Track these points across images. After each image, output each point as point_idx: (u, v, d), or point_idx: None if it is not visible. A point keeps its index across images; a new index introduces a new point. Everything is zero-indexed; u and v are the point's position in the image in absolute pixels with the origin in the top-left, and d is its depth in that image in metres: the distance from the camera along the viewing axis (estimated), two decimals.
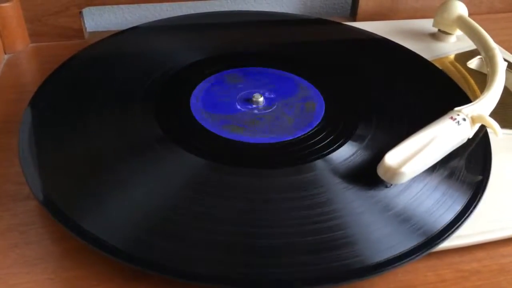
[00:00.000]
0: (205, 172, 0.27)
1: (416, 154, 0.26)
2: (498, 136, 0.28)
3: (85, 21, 0.45)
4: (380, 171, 0.26)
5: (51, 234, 0.26)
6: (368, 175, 0.26)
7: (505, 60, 0.36)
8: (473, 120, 0.29)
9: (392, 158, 0.26)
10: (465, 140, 0.29)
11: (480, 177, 0.28)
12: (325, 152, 0.29)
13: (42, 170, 0.27)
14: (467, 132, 0.29)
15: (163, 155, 0.28)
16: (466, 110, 0.29)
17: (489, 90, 0.32)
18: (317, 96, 0.34)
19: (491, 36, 0.38)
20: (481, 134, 0.31)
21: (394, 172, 0.25)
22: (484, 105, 0.30)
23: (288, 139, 0.30)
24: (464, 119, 0.28)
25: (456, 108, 0.29)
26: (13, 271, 0.24)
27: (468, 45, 0.42)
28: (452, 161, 0.28)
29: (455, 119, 0.28)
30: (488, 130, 0.30)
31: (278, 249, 0.23)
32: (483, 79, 0.36)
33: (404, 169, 0.25)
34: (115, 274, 0.23)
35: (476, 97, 0.31)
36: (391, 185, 0.26)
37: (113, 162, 0.27)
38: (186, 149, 0.28)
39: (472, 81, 0.38)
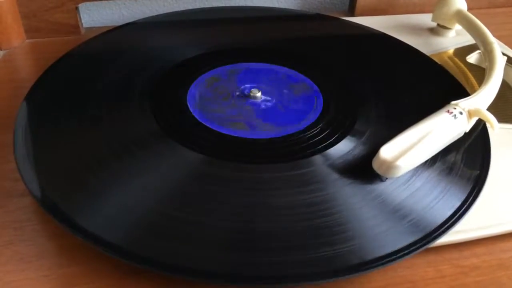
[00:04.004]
0: (203, 168, 0.27)
1: (412, 147, 0.26)
2: (494, 130, 0.28)
3: (82, 17, 0.45)
4: (375, 165, 0.26)
5: (46, 231, 0.25)
6: (366, 170, 0.26)
7: (504, 54, 0.36)
8: (470, 114, 0.28)
9: (387, 151, 0.25)
10: (461, 134, 0.29)
11: (477, 172, 0.27)
12: (323, 147, 0.28)
13: (37, 166, 0.27)
14: (464, 126, 0.28)
15: (160, 151, 0.28)
16: (463, 104, 0.29)
17: (487, 84, 0.31)
18: (315, 91, 0.33)
19: (491, 31, 0.37)
20: (479, 128, 0.30)
21: (389, 166, 0.25)
22: (482, 99, 0.30)
23: (286, 134, 0.29)
24: (461, 113, 0.28)
25: (453, 102, 0.29)
26: (8, 268, 0.23)
27: (467, 39, 0.41)
28: (451, 156, 0.28)
29: (452, 112, 0.28)
30: (487, 124, 0.30)
31: (276, 245, 0.23)
32: (482, 74, 0.36)
33: (399, 163, 0.25)
34: (111, 270, 0.23)
35: (474, 92, 0.31)
36: (387, 178, 0.26)
37: (109, 157, 0.27)
38: (183, 144, 0.28)
39: (471, 76, 0.38)
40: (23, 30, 0.42)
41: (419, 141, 0.26)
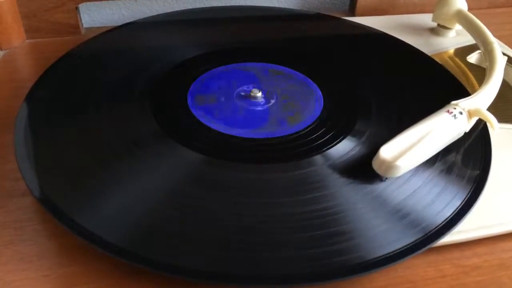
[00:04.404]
0: (203, 168, 0.27)
1: (412, 147, 0.26)
2: (494, 130, 0.28)
3: (82, 17, 0.45)
4: (375, 165, 0.26)
5: (47, 231, 0.25)
6: (367, 171, 0.26)
7: (505, 54, 0.36)
8: (470, 114, 0.28)
9: (387, 151, 0.25)
10: (461, 134, 0.29)
11: (478, 172, 0.27)
12: (323, 147, 0.28)
13: (38, 166, 0.26)
14: (464, 126, 0.28)
15: (160, 151, 0.28)
16: (463, 104, 0.29)
17: (487, 84, 0.31)
18: (315, 91, 0.33)
19: (491, 31, 0.37)
20: (480, 128, 0.30)
21: (389, 166, 0.25)
22: (482, 98, 0.30)
23: (286, 134, 0.29)
24: (461, 113, 0.28)
25: (453, 102, 0.29)
26: (8, 268, 0.23)
27: (468, 39, 0.41)
28: (451, 156, 0.28)
29: (452, 112, 0.28)
30: (487, 124, 0.30)
31: (277, 246, 0.23)
32: (482, 74, 0.36)
33: (399, 163, 0.25)
34: (111, 270, 0.23)
35: (475, 92, 0.31)
36: (386, 178, 0.26)
37: (109, 157, 0.27)
38: (183, 144, 0.28)
39: (471, 76, 0.38)
40: (23, 30, 0.42)
41: (419, 141, 0.26)
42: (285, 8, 0.51)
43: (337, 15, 0.46)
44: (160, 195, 0.25)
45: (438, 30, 0.44)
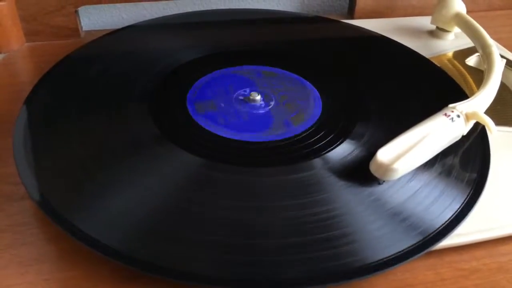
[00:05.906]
0: (202, 171, 0.27)
1: (409, 150, 0.26)
2: (492, 133, 0.28)
3: (81, 20, 0.45)
4: (372, 168, 0.26)
5: (46, 234, 0.25)
6: (366, 174, 0.26)
7: (503, 57, 0.36)
8: (468, 117, 0.28)
9: (384, 154, 0.25)
10: (459, 137, 0.29)
11: (476, 174, 0.27)
12: (323, 150, 0.28)
13: (37, 170, 0.26)
14: (461, 129, 0.28)
15: (160, 154, 0.28)
16: (460, 107, 0.29)
17: (485, 87, 0.31)
18: (315, 94, 0.34)
19: (490, 34, 0.38)
20: (478, 130, 0.30)
21: (386, 169, 0.25)
22: (479, 102, 0.30)
23: (286, 137, 0.29)
24: (458, 116, 0.28)
25: (451, 105, 0.29)
26: (7, 272, 0.23)
27: (466, 42, 0.41)
28: (450, 159, 0.28)
29: (449, 115, 0.28)
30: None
31: (276, 249, 0.23)
32: (481, 77, 0.36)
33: (396, 166, 0.25)
34: (111, 274, 0.23)
35: (474, 94, 0.31)
36: (384, 181, 0.26)
37: (109, 161, 0.27)
38: (182, 147, 0.28)
39: (470, 79, 0.38)
40: (23, 34, 0.42)
41: (416, 144, 0.26)
42: (284, 11, 0.51)
43: (336, 18, 0.46)
44: (159, 198, 0.25)
45: (437, 32, 0.44)
